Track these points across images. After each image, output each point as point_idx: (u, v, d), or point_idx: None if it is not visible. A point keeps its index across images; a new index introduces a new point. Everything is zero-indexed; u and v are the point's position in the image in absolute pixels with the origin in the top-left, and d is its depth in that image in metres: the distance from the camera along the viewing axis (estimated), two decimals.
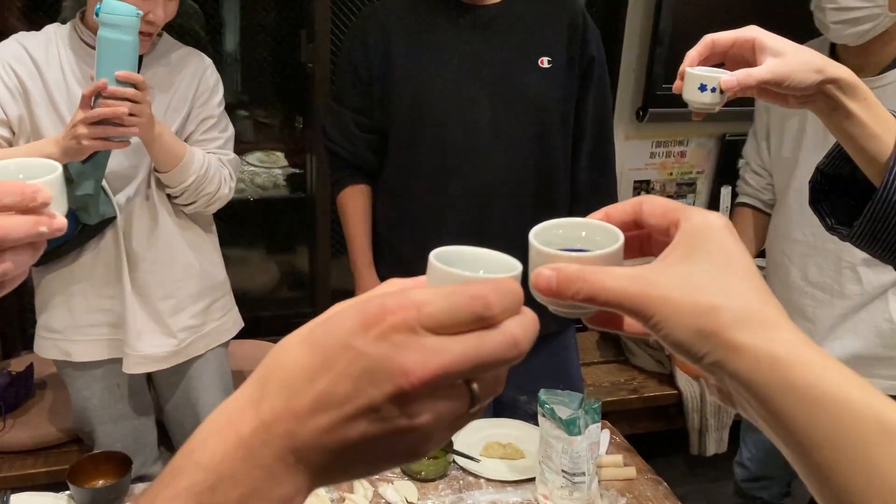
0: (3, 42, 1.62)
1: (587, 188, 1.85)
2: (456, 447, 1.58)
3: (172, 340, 1.82)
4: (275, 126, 3.37)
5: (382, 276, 1.89)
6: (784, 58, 0.93)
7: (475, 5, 1.72)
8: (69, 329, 1.78)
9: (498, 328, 0.40)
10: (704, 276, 0.46)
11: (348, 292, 3.12)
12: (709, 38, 0.98)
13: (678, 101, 1.02)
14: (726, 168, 3.07)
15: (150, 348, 1.79)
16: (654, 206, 0.52)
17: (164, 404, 1.99)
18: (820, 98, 0.95)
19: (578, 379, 2.01)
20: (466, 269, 0.45)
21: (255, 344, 2.58)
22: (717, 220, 0.48)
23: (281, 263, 3.24)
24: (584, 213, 0.54)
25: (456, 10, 1.72)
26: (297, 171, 3.28)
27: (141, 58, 1.63)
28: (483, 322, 0.40)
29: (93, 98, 1.44)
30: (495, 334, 0.40)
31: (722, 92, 0.96)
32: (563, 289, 0.47)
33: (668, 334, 0.46)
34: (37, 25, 1.68)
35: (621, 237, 0.51)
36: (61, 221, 0.58)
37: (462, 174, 1.73)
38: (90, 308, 1.77)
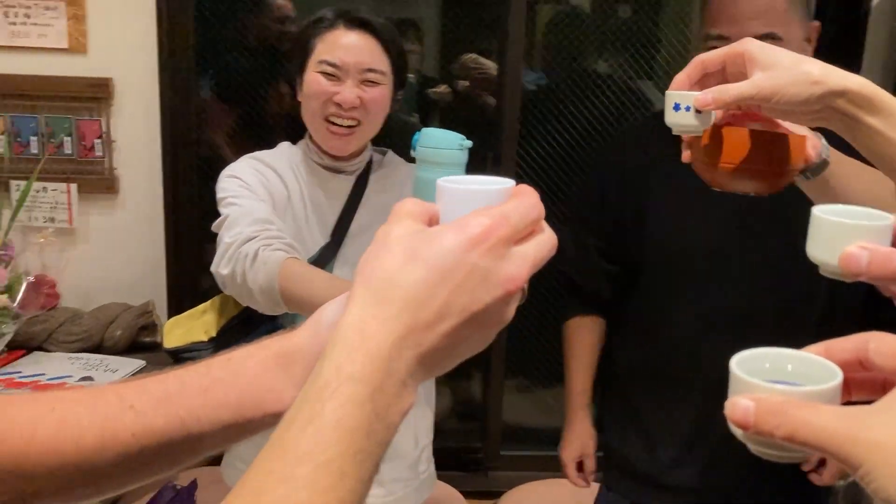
0: (241, 159, 1.52)
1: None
2: None
3: (380, 490, 1.55)
4: None
5: (606, 427, 1.59)
6: (773, 71, 0.82)
7: None
8: None
9: (545, 230, 0.50)
10: None
11: (522, 428, 2.90)
12: (698, 59, 0.88)
13: None
14: None
15: None
16: (883, 345, 0.46)
17: None
18: (833, 116, 0.82)
19: None
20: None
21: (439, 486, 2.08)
22: None
23: (455, 391, 3.10)
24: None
25: None
26: None
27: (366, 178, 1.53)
28: (538, 225, 0.50)
29: None
30: (549, 236, 0.50)
31: (699, 111, 0.85)
32: (760, 423, 0.43)
33: (879, 488, 0.40)
34: (243, 151, 1.59)
35: (839, 375, 0.46)
36: None
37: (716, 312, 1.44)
38: None
